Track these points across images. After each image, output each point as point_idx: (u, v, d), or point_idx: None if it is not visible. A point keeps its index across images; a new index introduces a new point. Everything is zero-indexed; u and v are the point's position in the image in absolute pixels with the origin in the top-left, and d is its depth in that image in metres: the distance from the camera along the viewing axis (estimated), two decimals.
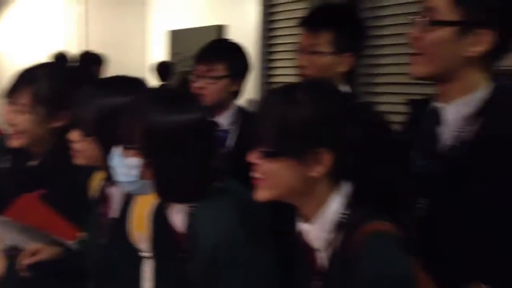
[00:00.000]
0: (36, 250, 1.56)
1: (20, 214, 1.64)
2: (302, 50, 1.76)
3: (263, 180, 1.05)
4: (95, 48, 5.24)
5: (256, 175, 1.06)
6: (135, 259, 1.43)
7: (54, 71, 1.73)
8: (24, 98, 1.62)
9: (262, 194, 1.06)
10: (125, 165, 1.24)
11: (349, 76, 1.81)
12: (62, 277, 1.60)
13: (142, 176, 1.24)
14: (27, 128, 1.63)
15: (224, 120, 1.97)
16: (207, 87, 1.93)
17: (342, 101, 1.07)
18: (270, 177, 1.04)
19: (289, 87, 1.10)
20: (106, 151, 1.33)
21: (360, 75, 2.86)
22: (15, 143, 1.65)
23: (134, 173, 1.24)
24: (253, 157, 1.06)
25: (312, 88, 1.08)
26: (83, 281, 1.56)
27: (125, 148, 1.24)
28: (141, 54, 5.55)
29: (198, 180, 1.23)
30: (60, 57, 4.74)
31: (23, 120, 1.63)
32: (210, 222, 1.19)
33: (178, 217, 1.28)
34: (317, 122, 1.01)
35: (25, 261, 1.54)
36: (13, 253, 1.59)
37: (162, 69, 4.88)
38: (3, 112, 1.65)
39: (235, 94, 2.03)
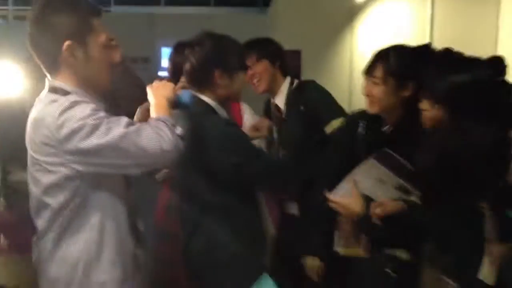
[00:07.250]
0: (383, 203, 1.79)
1: None
2: None
3: None
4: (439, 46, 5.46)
5: None
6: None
7: (403, 50, 1.95)
8: (378, 72, 1.91)
9: None
10: None
11: None
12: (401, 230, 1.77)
13: None
14: (380, 97, 1.92)
15: None
16: None
17: None
18: None
19: None
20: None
21: None
22: (371, 110, 1.96)
23: None
24: None
25: None
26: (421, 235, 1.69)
27: None
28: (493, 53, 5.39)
29: None
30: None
31: (378, 91, 1.92)
32: None
33: None
34: None
35: (376, 211, 1.78)
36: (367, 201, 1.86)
37: None
38: (364, 86, 1.97)
39: None
